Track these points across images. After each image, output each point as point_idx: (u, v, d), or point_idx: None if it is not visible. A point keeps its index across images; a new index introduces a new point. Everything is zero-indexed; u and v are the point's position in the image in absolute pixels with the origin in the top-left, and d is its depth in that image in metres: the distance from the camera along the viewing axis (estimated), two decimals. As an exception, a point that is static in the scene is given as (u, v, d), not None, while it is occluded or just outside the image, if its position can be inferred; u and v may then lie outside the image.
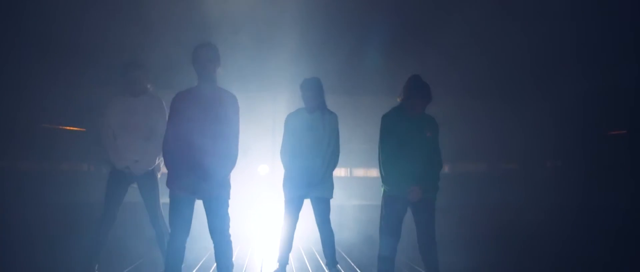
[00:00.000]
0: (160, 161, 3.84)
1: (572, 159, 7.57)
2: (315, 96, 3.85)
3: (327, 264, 3.95)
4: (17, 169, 6.66)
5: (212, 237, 3.11)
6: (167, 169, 3.12)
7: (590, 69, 6.43)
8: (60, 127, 6.78)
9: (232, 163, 3.10)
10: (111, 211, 3.78)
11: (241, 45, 5.47)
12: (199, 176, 3.00)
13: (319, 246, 3.98)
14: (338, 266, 3.98)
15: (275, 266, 3.93)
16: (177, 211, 3.05)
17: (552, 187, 7.27)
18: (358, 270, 4.51)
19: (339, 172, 7.15)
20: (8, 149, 6.33)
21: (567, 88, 6.76)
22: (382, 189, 3.28)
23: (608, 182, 6.77)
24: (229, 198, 3.13)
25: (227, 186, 3.12)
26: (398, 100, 3.31)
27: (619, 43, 6.03)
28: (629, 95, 6.64)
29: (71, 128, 6.80)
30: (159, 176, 3.93)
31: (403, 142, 3.19)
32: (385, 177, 3.24)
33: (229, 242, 3.13)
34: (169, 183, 3.06)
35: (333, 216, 3.95)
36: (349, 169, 7.44)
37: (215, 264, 3.16)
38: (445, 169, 7.91)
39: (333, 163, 3.89)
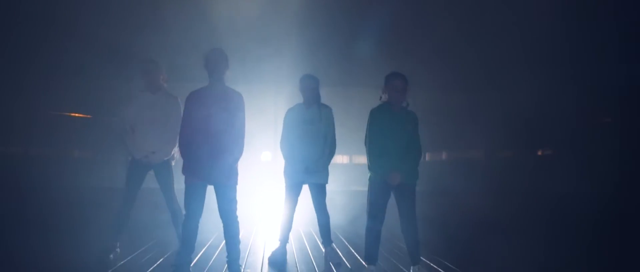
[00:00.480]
0: (175, 151, 4.30)
1: (560, 150, 7.97)
2: (312, 89, 4.28)
3: (322, 243, 4.42)
4: (42, 155, 7.11)
5: (222, 218, 3.57)
6: (183, 158, 3.59)
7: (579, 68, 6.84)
8: (77, 115, 7.22)
9: (240, 151, 3.55)
10: (131, 194, 4.24)
11: (246, 45, 5.92)
12: (210, 165, 3.47)
13: (317, 228, 4.45)
14: (333, 244, 4.45)
15: (277, 244, 4.41)
16: (192, 195, 3.52)
17: (540, 175, 7.69)
18: (350, 248, 5.00)
19: (341, 159, 7.61)
20: (31, 137, 6.82)
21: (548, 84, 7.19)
22: (369, 175, 3.73)
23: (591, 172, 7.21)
24: (236, 184, 3.60)
25: (235, 173, 3.58)
26: (380, 97, 3.72)
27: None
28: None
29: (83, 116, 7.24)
30: (173, 163, 4.40)
31: (386, 134, 3.59)
32: (370, 165, 3.65)
33: (236, 223, 3.59)
34: (184, 171, 3.53)
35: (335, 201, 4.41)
36: (349, 156, 7.85)
37: (224, 242, 3.64)
38: (444, 156, 8.38)
39: (330, 152, 4.31)
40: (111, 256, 4.17)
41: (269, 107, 7.05)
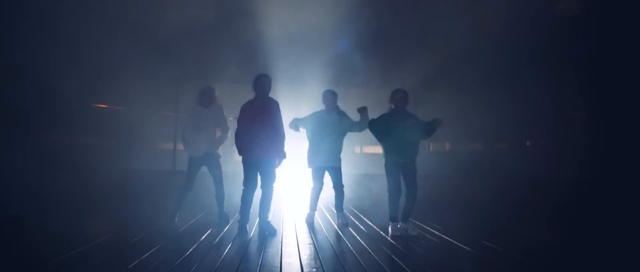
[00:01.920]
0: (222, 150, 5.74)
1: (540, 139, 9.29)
2: (330, 100, 5.73)
3: (336, 209, 5.84)
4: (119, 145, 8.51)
5: (262, 188, 4.99)
6: (238, 148, 5.00)
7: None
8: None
9: (281, 138, 4.94)
10: (190, 181, 5.65)
11: (275, 55, 7.37)
12: (258, 148, 4.88)
13: (332, 202, 5.87)
14: (344, 211, 5.86)
15: (308, 211, 5.83)
16: (247, 173, 4.98)
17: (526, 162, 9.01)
18: (359, 214, 6.39)
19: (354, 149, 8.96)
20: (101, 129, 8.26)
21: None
22: (384, 161, 5.12)
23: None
24: (275, 166, 4.99)
25: (275, 154, 4.95)
26: (391, 105, 5.16)
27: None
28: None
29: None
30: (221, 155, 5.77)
31: (391, 128, 5.04)
32: (384, 152, 5.12)
33: (271, 193, 5.01)
34: (242, 160, 4.99)
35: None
36: (360, 147, 9.18)
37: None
38: (447, 147, 9.69)
39: (341, 144, 5.78)
40: (175, 219, 5.54)
41: (291, 104, 8.48)
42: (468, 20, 7.23)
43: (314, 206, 5.84)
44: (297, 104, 8.29)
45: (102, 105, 8.46)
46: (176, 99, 8.34)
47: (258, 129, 4.90)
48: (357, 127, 5.58)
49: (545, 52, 7.88)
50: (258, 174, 5.00)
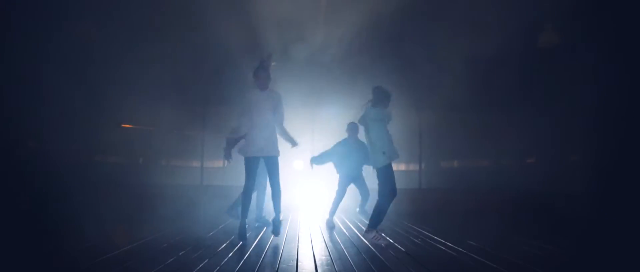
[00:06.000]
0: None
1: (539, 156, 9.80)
2: (352, 130, 6.73)
3: (359, 212, 6.83)
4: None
5: (271, 185, 5.10)
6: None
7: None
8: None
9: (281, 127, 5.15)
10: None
11: (293, 77, 8.20)
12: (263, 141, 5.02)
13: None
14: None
15: (327, 216, 6.65)
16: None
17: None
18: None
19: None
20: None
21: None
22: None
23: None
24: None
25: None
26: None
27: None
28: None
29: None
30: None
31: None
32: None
33: (279, 187, 5.09)
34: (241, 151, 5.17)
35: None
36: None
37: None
38: (455, 164, 10.28)
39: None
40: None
41: (308, 124, 9.29)
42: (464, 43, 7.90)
43: (333, 212, 6.74)
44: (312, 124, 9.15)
45: (128, 125, 9.35)
46: (203, 121, 9.20)
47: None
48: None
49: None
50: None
